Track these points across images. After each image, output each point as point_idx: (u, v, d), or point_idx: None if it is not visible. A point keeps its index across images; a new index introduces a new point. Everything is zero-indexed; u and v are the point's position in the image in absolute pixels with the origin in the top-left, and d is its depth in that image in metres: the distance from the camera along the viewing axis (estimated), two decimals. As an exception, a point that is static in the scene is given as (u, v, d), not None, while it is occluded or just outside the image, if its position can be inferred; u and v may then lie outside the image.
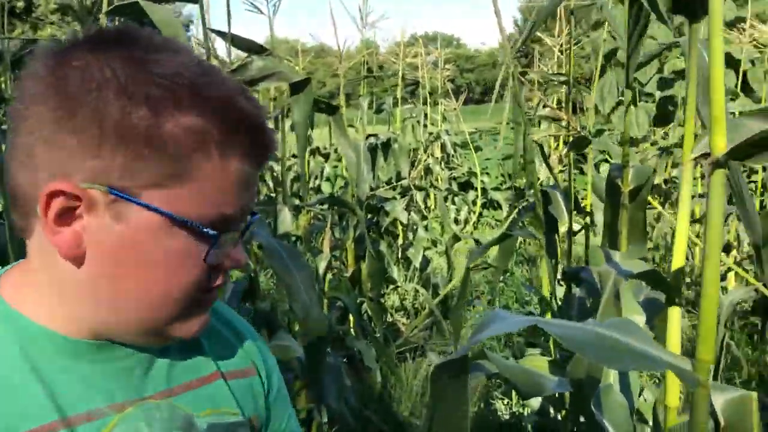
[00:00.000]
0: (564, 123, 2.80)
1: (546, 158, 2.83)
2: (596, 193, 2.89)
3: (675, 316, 1.14)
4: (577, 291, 2.50)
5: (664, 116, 7.53)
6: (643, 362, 0.75)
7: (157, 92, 0.60)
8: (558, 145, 5.04)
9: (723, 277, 4.08)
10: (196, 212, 0.62)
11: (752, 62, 5.99)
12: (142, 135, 0.59)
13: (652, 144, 5.97)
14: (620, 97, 8.26)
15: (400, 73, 5.26)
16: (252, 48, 2.41)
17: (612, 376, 1.45)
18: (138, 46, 0.62)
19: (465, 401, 0.88)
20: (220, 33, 2.32)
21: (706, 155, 0.73)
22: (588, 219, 2.74)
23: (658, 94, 7.92)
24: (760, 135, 0.66)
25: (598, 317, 1.20)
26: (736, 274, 4.00)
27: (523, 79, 3.00)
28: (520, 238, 3.00)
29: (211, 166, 0.62)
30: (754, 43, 4.38)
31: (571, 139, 2.58)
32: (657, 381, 2.70)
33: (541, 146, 2.62)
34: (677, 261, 1.17)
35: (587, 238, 2.65)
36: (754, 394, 1.15)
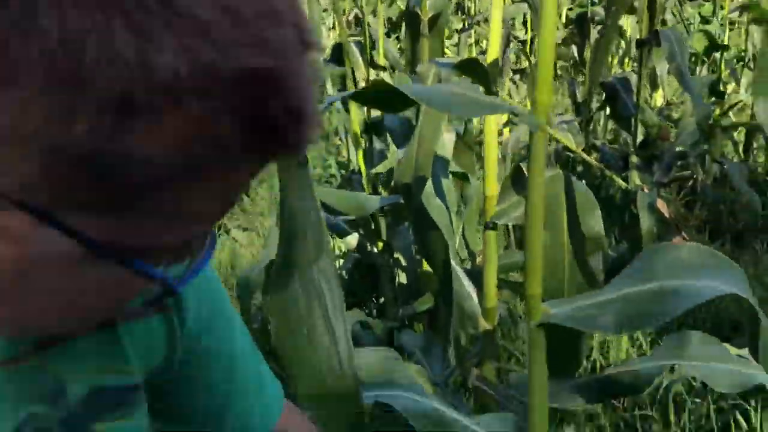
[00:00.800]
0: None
1: (341, 17, 2.79)
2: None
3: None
4: (377, 145, 2.58)
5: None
6: (489, 109, 0.77)
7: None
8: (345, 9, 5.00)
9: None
10: (140, 242, 0.38)
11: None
12: (74, 156, 0.34)
13: None
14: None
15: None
16: None
17: (428, 186, 1.51)
18: None
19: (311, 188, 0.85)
20: None
21: None
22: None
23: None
24: None
25: (422, 116, 1.22)
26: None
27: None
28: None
29: (191, 196, 0.37)
30: None
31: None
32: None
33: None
34: (492, 53, 1.21)
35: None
36: (562, 173, 1.25)
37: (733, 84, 4.68)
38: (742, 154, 3.65)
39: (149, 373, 0.56)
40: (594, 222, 1.23)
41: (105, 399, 0.52)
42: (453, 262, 1.33)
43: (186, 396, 0.60)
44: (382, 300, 2.47)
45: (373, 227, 2.06)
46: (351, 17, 4.37)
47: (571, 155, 3.06)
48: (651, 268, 0.81)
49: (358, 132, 2.21)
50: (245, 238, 3.83)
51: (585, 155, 2.76)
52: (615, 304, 0.80)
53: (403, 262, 2.28)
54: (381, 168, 1.77)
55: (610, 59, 4.75)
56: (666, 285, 0.78)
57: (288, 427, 0.67)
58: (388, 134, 2.35)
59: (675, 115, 4.51)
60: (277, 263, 0.86)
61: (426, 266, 2.11)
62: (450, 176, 1.70)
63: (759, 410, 1.89)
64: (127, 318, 0.50)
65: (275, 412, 0.66)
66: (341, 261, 2.68)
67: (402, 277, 2.30)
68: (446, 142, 1.56)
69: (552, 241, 1.24)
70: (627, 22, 4.45)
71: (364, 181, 2.34)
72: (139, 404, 0.55)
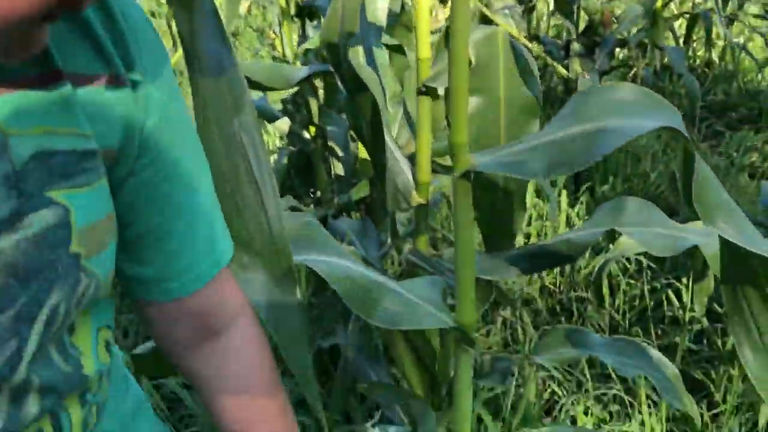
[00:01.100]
0: None
1: None
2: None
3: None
4: (310, 33, 2.45)
5: None
6: None
7: None
8: None
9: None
10: None
11: None
12: None
13: None
14: None
15: None
16: None
17: (360, 56, 1.41)
18: None
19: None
20: None
21: None
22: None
23: None
24: None
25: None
26: None
27: None
28: None
29: None
30: None
31: None
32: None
33: None
34: None
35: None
36: (501, 29, 1.18)
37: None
38: (682, 45, 3.63)
39: (108, 157, 0.54)
40: (532, 87, 1.17)
41: (56, 162, 0.49)
42: (387, 137, 1.25)
43: (137, 203, 0.59)
44: (318, 194, 2.40)
45: (305, 112, 1.96)
46: None
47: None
48: (584, 109, 0.76)
49: (283, 5, 2.08)
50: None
51: (527, 41, 2.68)
52: (545, 148, 0.74)
53: (339, 153, 2.20)
54: (310, 44, 1.66)
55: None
56: (598, 125, 0.73)
57: (226, 291, 0.68)
58: (321, 17, 2.22)
59: (618, 11, 4.43)
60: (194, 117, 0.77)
61: (362, 153, 2.04)
62: (384, 48, 1.60)
63: (690, 287, 1.92)
64: (76, 78, 0.50)
65: (221, 257, 0.65)
66: (275, 156, 2.59)
67: (338, 169, 2.23)
68: (378, 9, 1.45)
69: (488, 103, 1.17)
70: None
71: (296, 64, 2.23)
72: (97, 173, 0.53)
